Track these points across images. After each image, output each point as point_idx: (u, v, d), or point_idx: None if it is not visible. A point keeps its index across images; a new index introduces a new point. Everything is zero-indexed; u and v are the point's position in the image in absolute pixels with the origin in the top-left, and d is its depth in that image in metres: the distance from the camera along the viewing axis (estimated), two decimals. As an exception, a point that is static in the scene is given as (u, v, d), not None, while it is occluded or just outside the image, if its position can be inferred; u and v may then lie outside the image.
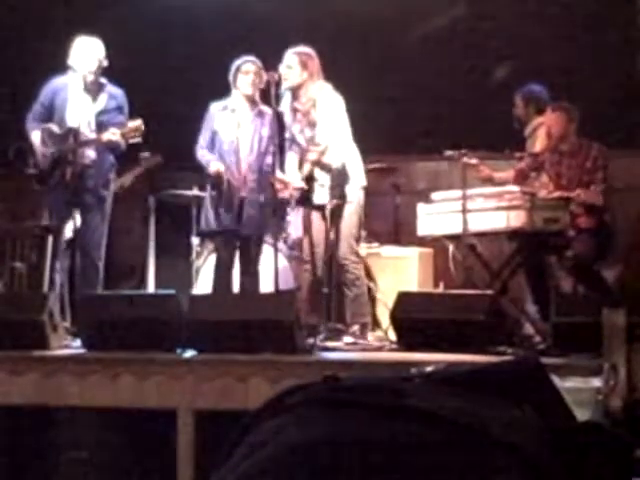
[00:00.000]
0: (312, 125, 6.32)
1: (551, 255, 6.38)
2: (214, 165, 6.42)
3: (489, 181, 6.58)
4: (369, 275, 6.65)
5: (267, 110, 6.40)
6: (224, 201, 6.44)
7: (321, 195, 6.25)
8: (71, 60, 6.54)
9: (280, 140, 6.41)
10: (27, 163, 6.52)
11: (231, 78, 6.45)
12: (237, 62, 6.42)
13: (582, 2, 7.71)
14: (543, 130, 6.80)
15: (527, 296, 6.43)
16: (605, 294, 5.83)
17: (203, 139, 6.53)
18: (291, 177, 6.32)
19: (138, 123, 6.37)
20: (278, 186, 6.25)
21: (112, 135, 6.34)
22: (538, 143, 6.76)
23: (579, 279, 6.18)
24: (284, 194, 6.29)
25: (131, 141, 6.42)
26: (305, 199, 6.29)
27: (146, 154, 6.89)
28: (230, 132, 6.47)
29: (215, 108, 6.52)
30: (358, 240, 6.38)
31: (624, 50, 7.35)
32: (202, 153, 6.51)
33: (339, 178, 6.22)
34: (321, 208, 6.26)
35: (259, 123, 6.46)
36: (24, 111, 6.62)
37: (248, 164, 6.44)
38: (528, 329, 5.96)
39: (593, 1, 7.68)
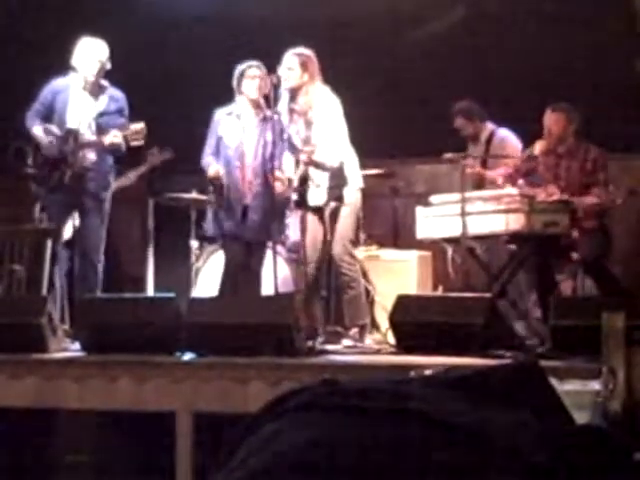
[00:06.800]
0: (308, 125, 6.31)
1: (554, 257, 6.35)
2: (213, 168, 6.36)
3: (481, 180, 6.61)
4: (365, 277, 6.64)
5: (272, 115, 6.30)
6: (225, 207, 6.40)
7: (317, 196, 6.24)
8: (74, 61, 6.53)
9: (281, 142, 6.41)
10: (26, 163, 6.51)
11: (235, 83, 6.37)
12: (241, 67, 6.34)
13: (581, 2, 7.70)
14: (498, 136, 6.91)
15: (526, 299, 6.43)
16: (620, 292, 5.87)
17: (209, 146, 6.46)
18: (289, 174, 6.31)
19: (141, 126, 6.36)
20: (277, 184, 6.23)
21: (114, 138, 6.34)
22: (509, 148, 6.86)
23: (596, 279, 6.16)
24: (284, 192, 6.25)
25: (133, 144, 6.41)
26: (301, 200, 6.28)
27: (154, 150, 6.89)
28: (235, 138, 6.42)
29: (220, 114, 6.46)
30: (354, 242, 6.37)
31: (624, 51, 7.34)
32: (207, 160, 6.43)
33: (337, 179, 6.21)
34: (318, 209, 6.26)
35: (264, 128, 6.39)
36: (23, 111, 6.61)
37: (253, 169, 6.37)
38: (527, 332, 5.96)
39: (592, 1, 7.67)
